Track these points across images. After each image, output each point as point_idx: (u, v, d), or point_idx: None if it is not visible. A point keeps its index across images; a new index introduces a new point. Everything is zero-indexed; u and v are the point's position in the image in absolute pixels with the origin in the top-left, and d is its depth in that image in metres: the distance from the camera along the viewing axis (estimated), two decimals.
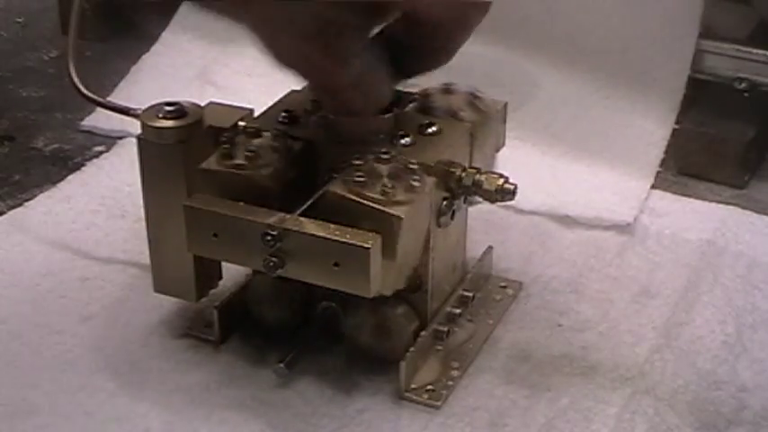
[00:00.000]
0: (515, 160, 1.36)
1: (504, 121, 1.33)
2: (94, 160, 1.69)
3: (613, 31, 1.78)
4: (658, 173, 1.63)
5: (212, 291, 1.31)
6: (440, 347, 1.27)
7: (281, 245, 1.10)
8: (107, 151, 1.71)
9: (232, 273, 1.31)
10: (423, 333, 1.24)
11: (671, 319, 1.34)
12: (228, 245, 1.14)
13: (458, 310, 1.30)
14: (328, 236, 1.09)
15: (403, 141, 1.19)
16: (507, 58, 1.81)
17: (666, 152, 1.66)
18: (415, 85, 1.31)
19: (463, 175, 1.22)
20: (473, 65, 1.78)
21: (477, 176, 1.22)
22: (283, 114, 1.24)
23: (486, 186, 1.22)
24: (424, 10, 1.09)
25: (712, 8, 1.71)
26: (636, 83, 1.73)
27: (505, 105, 1.33)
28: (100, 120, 1.75)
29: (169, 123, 1.21)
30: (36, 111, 1.85)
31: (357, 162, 1.14)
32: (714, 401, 1.22)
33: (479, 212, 1.38)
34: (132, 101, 1.44)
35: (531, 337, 1.32)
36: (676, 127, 1.68)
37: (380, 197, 1.11)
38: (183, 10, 1.98)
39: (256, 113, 1.27)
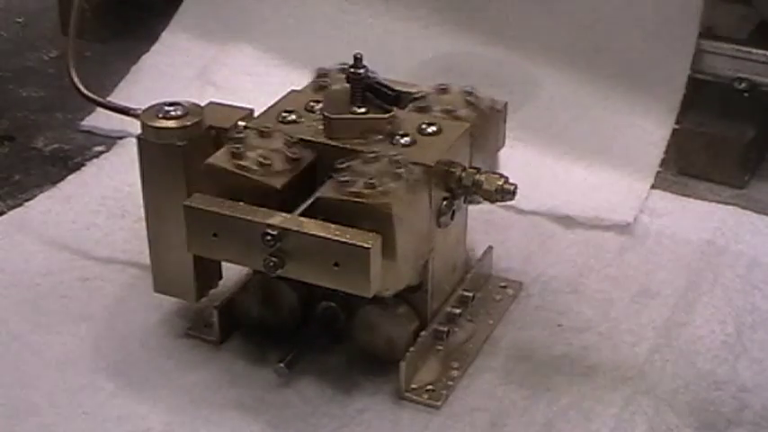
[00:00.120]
0: (515, 160, 1.36)
1: (504, 121, 1.33)
2: (94, 160, 1.69)
3: (613, 31, 1.78)
4: (658, 173, 1.63)
5: (212, 291, 1.31)
6: (440, 347, 1.27)
7: (281, 245, 1.10)
8: (107, 151, 1.71)
9: (232, 273, 1.32)
10: (423, 333, 1.24)
11: (671, 319, 1.34)
12: (228, 245, 1.14)
13: (458, 310, 1.30)
14: (328, 236, 1.09)
15: (403, 141, 1.19)
16: (507, 58, 1.81)
17: (666, 152, 1.66)
18: (413, 85, 1.31)
19: (463, 175, 1.22)
20: (473, 65, 1.79)
21: (477, 176, 1.22)
22: (284, 114, 1.24)
23: (486, 186, 1.22)
24: None
25: (712, 8, 1.71)
26: (636, 83, 1.73)
27: (505, 105, 1.33)
28: (100, 120, 1.75)
29: (169, 123, 1.21)
30: (36, 111, 1.85)
31: (354, 162, 1.14)
32: (714, 401, 1.22)
33: (479, 212, 1.38)
34: (132, 101, 1.44)
35: (531, 337, 1.32)
36: (676, 127, 1.68)
37: (376, 195, 1.11)
38: (183, 10, 1.98)
39: (256, 113, 1.27)
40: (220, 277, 1.31)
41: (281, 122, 1.24)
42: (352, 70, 1.20)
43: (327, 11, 1.94)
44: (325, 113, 1.21)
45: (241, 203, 1.14)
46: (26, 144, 1.76)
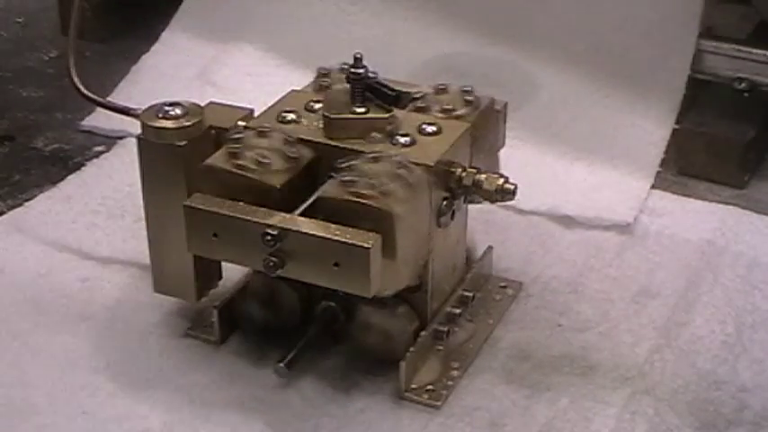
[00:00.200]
0: (515, 160, 1.36)
1: (504, 121, 1.33)
2: (94, 160, 1.68)
3: (613, 31, 1.78)
4: (658, 173, 1.63)
5: (212, 291, 1.31)
6: (440, 347, 1.27)
7: (281, 245, 1.10)
8: (107, 151, 1.71)
9: (232, 273, 1.32)
10: (423, 333, 1.24)
11: (671, 319, 1.34)
12: (228, 245, 1.14)
13: (458, 310, 1.30)
14: (328, 236, 1.09)
15: (403, 141, 1.19)
16: (507, 58, 1.81)
17: (666, 152, 1.66)
18: (413, 85, 1.31)
19: (463, 174, 1.22)
20: (473, 65, 1.79)
21: (477, 176, 1.22)
22: (284, 114, 1.24)
23: (486, 186, 1.22)
24: None
25: (712, 8, 1.72)
26: (636, 83, 1.73)
27: (505, 105, 1.33)
28: (100, 120, 1.75)
29: (169, 123, 1.21)
30: (36, 111, 1.85)
31: (355, 162, 1.14)
32: (714, 401, 1.22)
33: (479, 212, 1.38)
34: (132, 101, 1.44)
35: (531, 337, 1.32)
36: (676, 127, 1.68)
37: (376, 195, 1.11)
38: (183, 10, 1.99)
39: (256, 113, 1.27)
40: (220, 277, 1.31)
41: (281, 122, 1.24)
42: (352, 70, 1.20)
43: (328, 11, 1.94)
44: (326, 113, 1.21)
45: (241, 203, 1.14)
46: (26, 144, 1.76)
